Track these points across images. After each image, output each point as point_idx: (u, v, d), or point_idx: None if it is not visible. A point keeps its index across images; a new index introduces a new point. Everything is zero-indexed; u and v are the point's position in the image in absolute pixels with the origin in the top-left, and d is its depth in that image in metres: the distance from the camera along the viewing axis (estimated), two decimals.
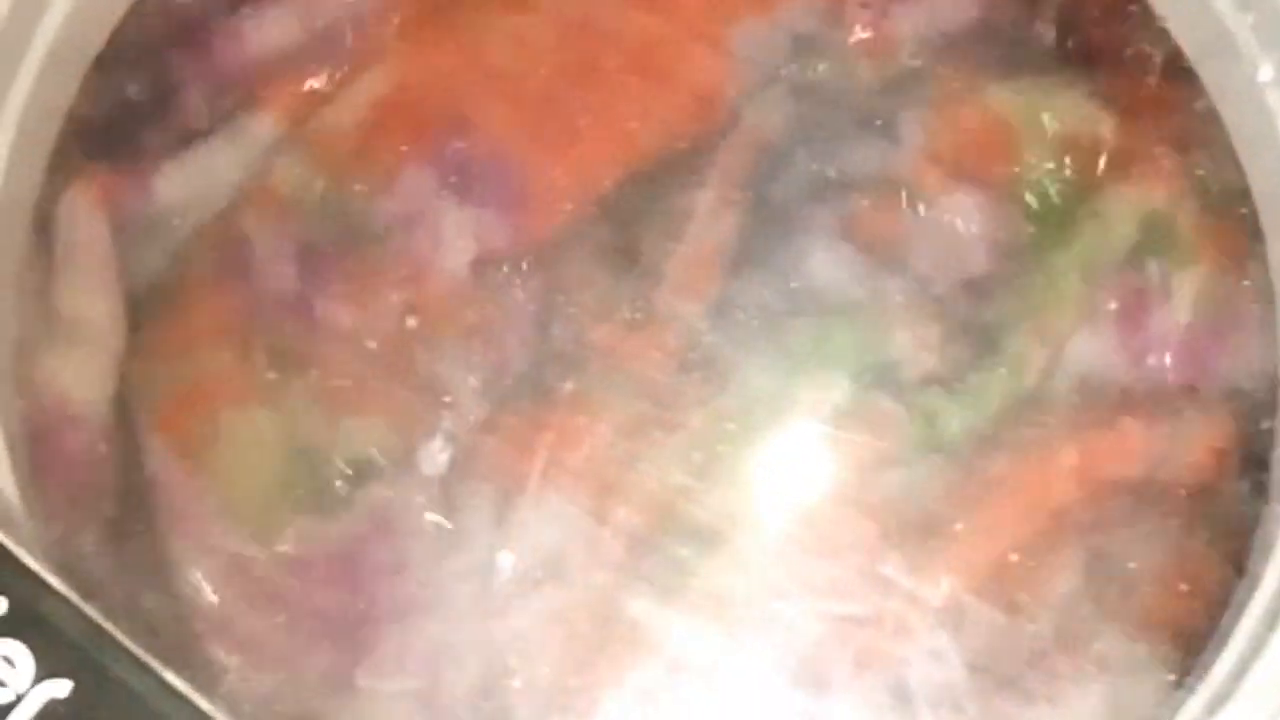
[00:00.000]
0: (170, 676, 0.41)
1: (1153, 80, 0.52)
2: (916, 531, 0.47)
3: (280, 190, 0.51)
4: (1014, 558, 0.47)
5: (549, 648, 0.46)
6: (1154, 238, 0.51)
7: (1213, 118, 0.51)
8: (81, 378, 0.49)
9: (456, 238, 0.50)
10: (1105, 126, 0.52)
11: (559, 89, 0.52)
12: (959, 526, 0.47)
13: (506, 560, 0.47)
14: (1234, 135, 0.51)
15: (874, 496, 0.48)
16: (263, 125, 0.52)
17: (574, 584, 0.46)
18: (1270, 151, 0.50)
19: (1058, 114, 0.52)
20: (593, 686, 0.46)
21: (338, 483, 0.48)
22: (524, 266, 0.50)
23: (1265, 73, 0.49)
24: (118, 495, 0.49)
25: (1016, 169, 0.51)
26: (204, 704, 0.41)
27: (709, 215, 0.51)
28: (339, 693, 0.46)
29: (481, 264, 0.50)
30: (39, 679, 0.39)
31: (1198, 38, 0.52)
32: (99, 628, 0.41)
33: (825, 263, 0.50)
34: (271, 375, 0.49)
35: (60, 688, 0.40)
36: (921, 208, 0.51)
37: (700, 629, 0.46)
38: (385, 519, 0.48)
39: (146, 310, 0.51)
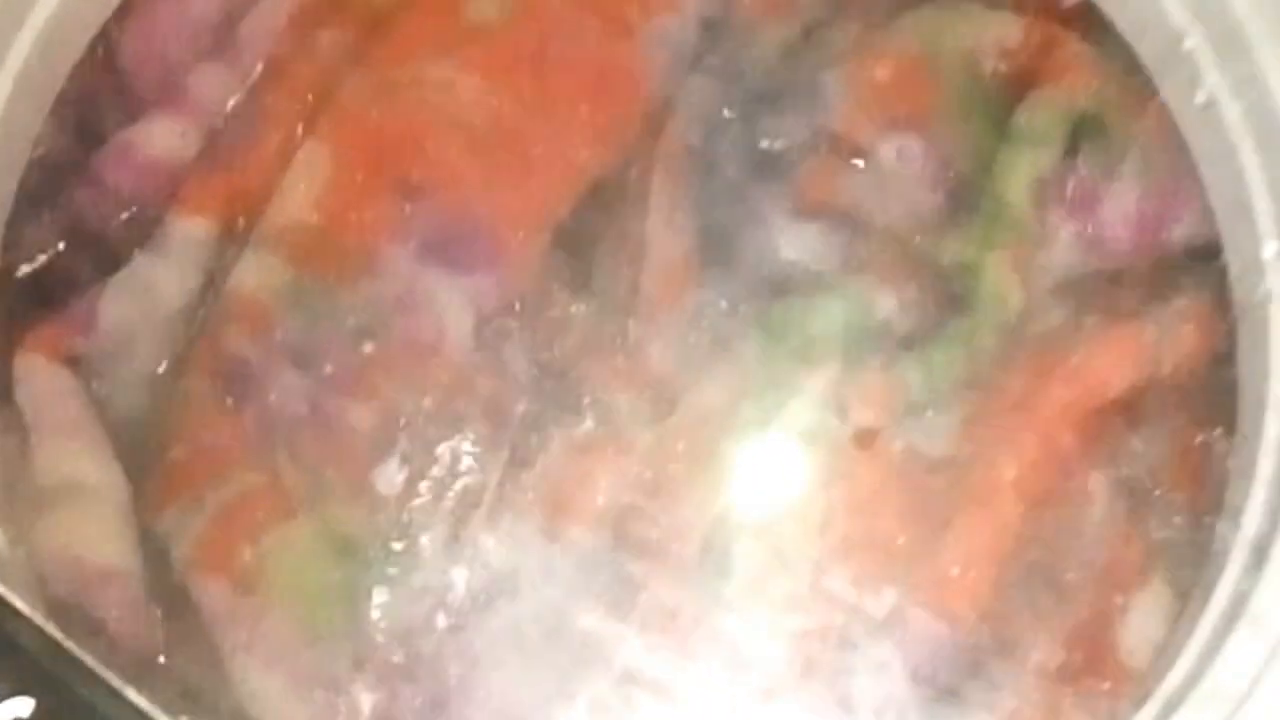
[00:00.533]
0: (132, 694, 0.41)
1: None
2: (862, 546, 0.48)
3: (259, 297, 0.50)
4: (955, 571, 0.47)
5: (502, 662, 0.47)
6: (1087, 133, 0.52)
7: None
8: (88, 533, 0.48)
9: (456, 309, 0.50)
10: (1011, 29, 0.53)
11: (499, 128, 0.52)
12: (901, 541, 0.48)
13: (460, 577, 0.47)
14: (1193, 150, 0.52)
15: (821, 512, 0.48)
16: (192, 228, 0.51)
17: (526, 600, 0.47)
18: (1226, 165, 0.50)
19: (963, 31, 0.53)
20: (545, 699, 0.47)
21: (390, 570, 0.48)
22: (516, 307, 0.51)
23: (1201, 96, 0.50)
24: (168, 638, 0.48)
25: (941, 98, 0.52)
26: None
27: (664, 228, 0.51)
28: (299, 707, 0.47)
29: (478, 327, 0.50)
30: (2, 698, 0.39)
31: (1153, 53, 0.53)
32: (61, 647, 0.41)
33: (787, 242, 0.51)
34: (302, 483, 0.48)
35: (23, 706, 0.40)
36: (862, 162, 0.52)
37: (650, 642, 0.47)
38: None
39: (147, 449, 0.49)
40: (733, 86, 0.53)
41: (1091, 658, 0.47)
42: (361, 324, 0.50)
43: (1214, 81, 0.50)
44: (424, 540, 0.48)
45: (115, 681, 0.41)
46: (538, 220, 0.51)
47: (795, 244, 0.51)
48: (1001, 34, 0.53)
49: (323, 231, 0.51)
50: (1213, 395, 0.50)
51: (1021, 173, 0.51)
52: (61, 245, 0.52)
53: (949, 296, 0.51)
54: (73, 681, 0.41)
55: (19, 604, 0.42)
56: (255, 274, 0.50)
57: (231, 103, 0.52)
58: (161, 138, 0.52)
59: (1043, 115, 0.52)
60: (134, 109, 0.53)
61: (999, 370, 0.50)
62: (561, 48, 0.53)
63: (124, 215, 0.52)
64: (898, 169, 0.52)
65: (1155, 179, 0.51)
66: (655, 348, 0.50)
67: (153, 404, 0.50)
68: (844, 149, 0.52)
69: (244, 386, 0.50)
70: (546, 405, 0.49)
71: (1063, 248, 0.51)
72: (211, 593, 0.48)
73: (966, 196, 0.52)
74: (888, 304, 0.50)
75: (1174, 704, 0.44)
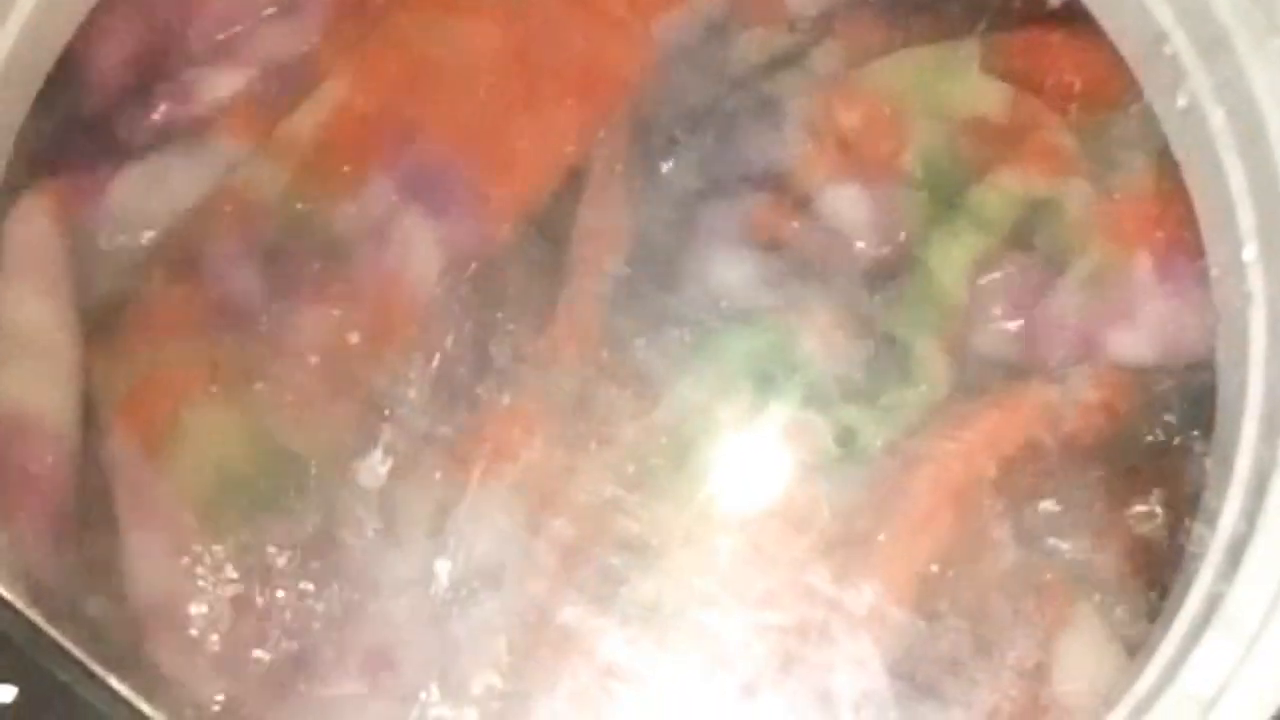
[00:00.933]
0: (114, 681, 0.42)
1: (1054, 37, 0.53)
2: (842, 543, 0.48)
3: (245, 196, 0.52)
4: (935, 568, 0.48)
5: (484, 653, 0.47)
6: (1042, 223, 0.51)
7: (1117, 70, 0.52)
8: (35, 386, 0.50)
9: (426, 248, 0.51)
10: (999, 100, 0.52)
11: (501, 91, 0.53)
12: (882, 538, 0.48)
13: (444, 569, 0.48)
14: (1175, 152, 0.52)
15: (801, 509, 0.49)
16: (222, 144, 0.53)
17: (509, 592, 0.47)
18: (1208, 167, 0.51)
19: (947, 89, 0.52)
20: (526, 691, 0.47)
21: (293, 484, 0.49)
22: (470, 270, 0.51)
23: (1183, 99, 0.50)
24: (77, 494, 0.49)
25: (905, 154, 0.52)
26: (147, 709, 0.42)
27: (596, 191, 0.52)
28: (281, 697, 0.47)
29: (445, 273, 0.51)
30: None
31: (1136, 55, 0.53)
32: (44, 634, 0.42)
33: (726, 268, 0.51)
34: (235, 376, 0.50)
35: (6, 694, 0.40)
36: (813, 200, 0.52)
37: (631, 636, 0.47)
38: (329, 527, 0.49)
39: (110, 314, 0.51)
40: (711, 92, 0.53)
41: (1068, 654, 0.47)
42: (334, 242, 0.51)
43: (1196, 84, 0.50)
44: (408, 526, 0.48)
45: (97, 668, 0.42)
46: (525, 184, 0.52)
47: (732, 270, 0.51)
48: (988, 103, 0.52)
49: (323, 151, 0.52)
50: (1190, 397, 0.50)
51: (955, 255, 0.51)
52: (93, 120, 0.53)
53: (876, 355, 0.50)
54: (55, 669, 0.41)
55: (2, 591, 0.42)
56: (253, 175, 0.52)
57: (289, 55, 0.54)
58: (220, 84, 0.54)
59: (995, 199, 0.51)
60: (196, 49, 0.54)
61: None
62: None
63: (161, 123, 0.53)
64: (842, 217, 0.51)
65: (1103, 287, 0.51)
66: (640, 343, 0.50)
67: (127, 283, 0.52)
68: (792, 185, 0.52)
69: (209, 271, 0.51)
70: (532, 398, 0.49)
71: (995, 336, 0.51)
72: (124, 449, 0.49)
73: (912, 254, 0.51)
74: (808, 347, 0.50)
75: (1146, 705, 0.44)
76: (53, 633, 0.42)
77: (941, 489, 0.48)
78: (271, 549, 0.48)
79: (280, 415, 0.49)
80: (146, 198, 0.52)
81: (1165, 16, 0.51)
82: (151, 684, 0.44)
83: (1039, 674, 0.47)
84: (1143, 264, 0.51)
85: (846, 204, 0.51)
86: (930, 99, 0.52)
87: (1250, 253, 0.49)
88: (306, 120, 0.52)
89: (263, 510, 0.49)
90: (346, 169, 0.52)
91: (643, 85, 0.53)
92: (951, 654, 0.47)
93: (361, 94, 0.53)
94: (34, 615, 0.42)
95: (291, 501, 0.49)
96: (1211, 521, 0.47)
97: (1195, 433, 0.49)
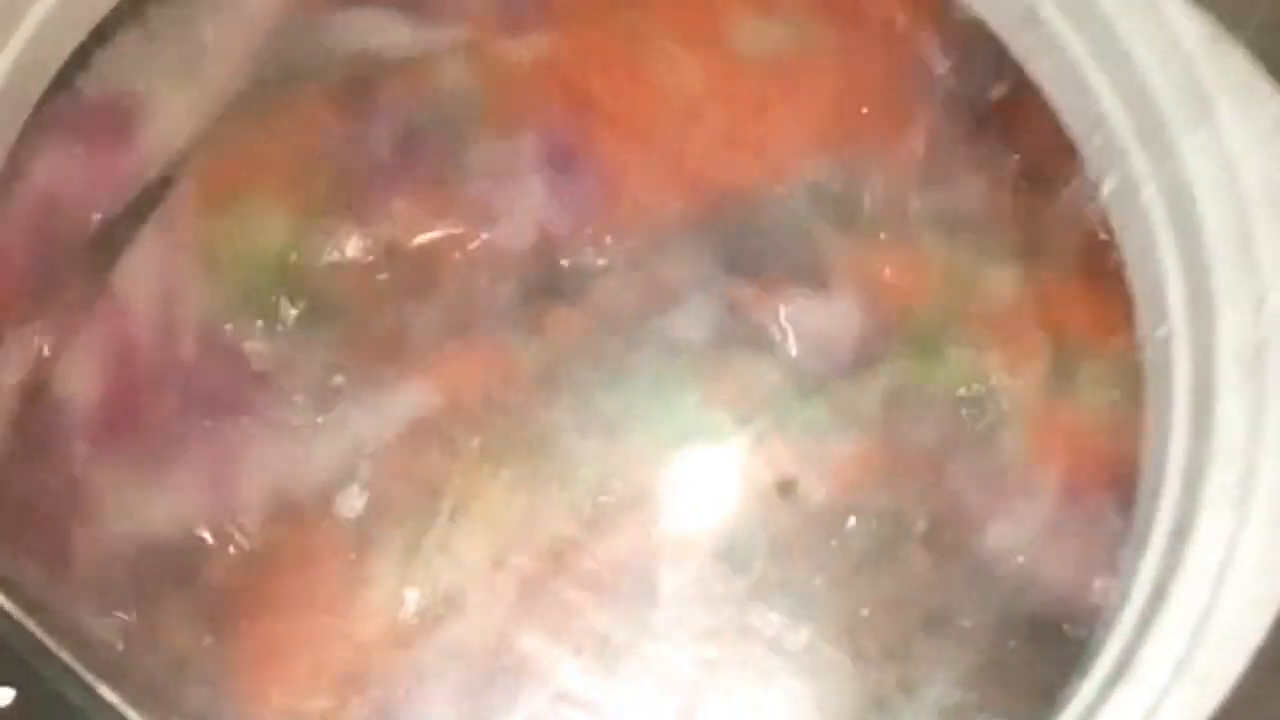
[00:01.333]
0: (104, 690, 0.45)
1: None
2: (779, 585, 0.51)
3: (429, 79, 0.54)
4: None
5: (446, 677, 0.50)
6: (977, 398, 0.53)
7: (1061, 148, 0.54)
8: (171, 98, 0.53)
9: (530, 219, 0.53)
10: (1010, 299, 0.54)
11: (674, 129, 0.54)
12: (817, 582, 0.51)
13: (411, 596, 0.50)
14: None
15: (744, 552, 0.51)
16: (450, 32, 0.55)
17: (471, 620, 0.50)
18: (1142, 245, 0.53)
19: (980, 286, 0.54)
20: (484, 713, 0.50)
21: (292, 311, 0.52)
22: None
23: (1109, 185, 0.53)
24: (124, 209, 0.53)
25: (918, 310, 0.54)
26: (136, 717, 0.46)
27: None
28: (258, 708, 0.50)
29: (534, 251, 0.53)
30: None
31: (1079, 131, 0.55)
32: (40, 644, 0.45)
33: (690, 327, 0.53)
34: (307, 201, 0.53)
35: (4, 696, 0.43)
36: (816, 291, 0.54)
37: (584, 665, 0.50)
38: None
39: (256, 98, 0.54)
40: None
41: (985, 697, 0.50)
42: (466, 164, 0.54)
43: (1133, 165, 0.52)
44: (380, 555, 0.51)
45: (88, 677, 0.45)
46: (637, 219, 0.54)
47: (694, 330, 0.53)
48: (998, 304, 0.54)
49: (509, 85, 0.54)
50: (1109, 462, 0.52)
51: (895, 372, 0.53)
52: None
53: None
54: (49, 676, 0.44)
55: (4, 603, 0.45)
56: (444, 66, 0.54)
57: None
58: None
59: (957, 361, 0.53)
60: None
61: None
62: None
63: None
64: (832, 318, 0.54)
65: (1014, 464, 0.52)
66: (600, 395, 0.53)
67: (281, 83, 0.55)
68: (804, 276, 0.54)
69: (353, 112, 0.54)
70: (497, 438, 0.52)
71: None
72: (180, 194, 0.53)
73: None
74: (756, 400, 0.52)
75: None
76: (49, 643, 0.45)
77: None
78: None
79: (313, 261, 0.52)
80: (360, 37, 0.54)
81: (1110, 99, 0.53)
82: (138, 693, 0.48)
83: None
84: (1055, 484, 0.52)
85: (839, 308, 0.53)
86: (962, 286, 0.54)
87: (1175, 326, 0.51)
88: (518, 52, 0.54)
89: (252, 310, 0.52)
90: (516, 111, 0.54)
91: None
92: (880, 692, 0.50)
93: (568, 59, 0.54)
94: (31, 625, 0.45)
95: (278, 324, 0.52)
96: (1127, 578, 0.49)
97: (1109, 494, 0.52)
